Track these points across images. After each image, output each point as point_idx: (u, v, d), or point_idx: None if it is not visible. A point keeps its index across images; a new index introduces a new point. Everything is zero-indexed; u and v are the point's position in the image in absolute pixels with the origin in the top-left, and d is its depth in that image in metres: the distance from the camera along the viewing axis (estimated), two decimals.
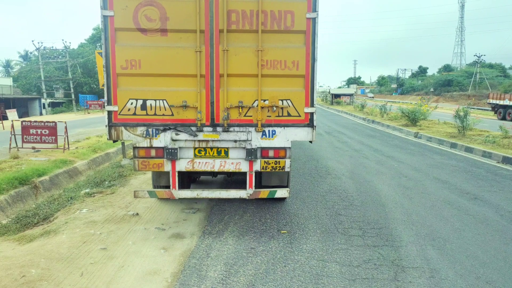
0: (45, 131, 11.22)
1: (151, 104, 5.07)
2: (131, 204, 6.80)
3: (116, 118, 5.09)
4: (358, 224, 5.88)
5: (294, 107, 5.17)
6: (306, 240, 5.28)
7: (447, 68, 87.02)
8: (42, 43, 43.53)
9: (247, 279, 4.20)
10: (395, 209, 6.63)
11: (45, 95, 44.45)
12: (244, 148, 5.26)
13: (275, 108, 5.15)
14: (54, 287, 3.98)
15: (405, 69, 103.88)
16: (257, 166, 5.32)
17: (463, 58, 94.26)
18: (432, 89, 71.49)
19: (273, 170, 5.39)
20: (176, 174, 5.31)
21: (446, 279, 4.27)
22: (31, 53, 58.91)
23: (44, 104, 45.03)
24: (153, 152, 5.22)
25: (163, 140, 5.16)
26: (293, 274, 4.34)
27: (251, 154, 5.23)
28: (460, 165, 10.68)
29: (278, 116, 5.18)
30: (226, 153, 5.32)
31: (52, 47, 46.16)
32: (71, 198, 7.42)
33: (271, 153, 5.29)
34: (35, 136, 11.19)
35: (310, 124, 5.24)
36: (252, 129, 5.17)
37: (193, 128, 5.13)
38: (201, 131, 5.14)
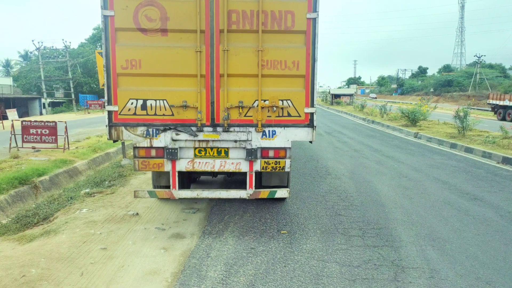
0: (45, 131, 11.22)
1: (151, 104, 5.07)
2: (131, 204, 6.80)
3: (116, 118, 5.09)
4: (358, 224, 5.89)
5: (294, 107, 5.17)
6: (306, 240, 5.28)
7: (447, 68, 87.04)
8: (42, 42, 43.60)
9: (247, 279, 4.21)
10: (395, 210, 6.63)
11: (45, 95, 44.44)
12: (244, 148, 5.26)
13: (275, 108, 5.15)
14: (54, 287, 3.98)
15: (405, 69, 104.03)
16: (257, 166, 5.32)
17: (463, 58, 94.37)
18: (432, 90, 71.50)
19: (273, 170, 5.39)
20: (176, 174, 5.31)
21: (446, 280, 4.27)
22: (31, 52, 58.93)
23: (44, 104, 45.02)
24: (153, 152, 5.22)
25: (163, 140, 5.16)
26: (293, 274, 4.34)
27: (251, 154, 5.23)
28: (460, 166, 10.68)
29: (278, 116, 5.18)
30: (226, 153, 5.32)
31: (52, 46, 46.21)
32: (71, 198, 7.42)
33: (271, 153, 5.29)
34: (35, 136, 11.19)
35: (310, 124, 5.24)
36: (252, 129, 5.18)
37: (193, 128, 5.13)
38: (201, 131, 5.14)
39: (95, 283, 4.08)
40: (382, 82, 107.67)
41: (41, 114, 42.74)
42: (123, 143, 11.17)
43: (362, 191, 7.78)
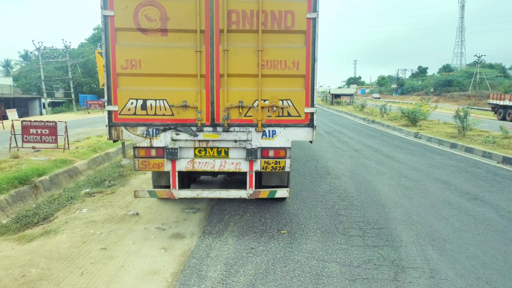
0: (45, 131, 11.22)
1: (151, 104, 5.07)
2: (131, 204, 6.80)
3: (116, 118, 5.09)
4: (358, 224, 5.89)
5: (294, 107, 5.17)
6: (306, 240, 5.28)
7: (447, 68, 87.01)
8: (42, 42, 43.57)
9: (247, 279, 4.20)
10: (395, 209, 6.63)
11: (45, 94, 44.44)
12: (244, 148, 5.26)
13: (275, 108, 5.14)
14: (54, 287, 3.98)
15: (405, 69, 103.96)
16: (257, 166, 5.32)
17: (463, 58, 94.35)
18: (432, 89, 71.51)
19: (273, 170, 5.39)
20: (176, 174, 5.31)
21: (446, 279, 4.27)
22: (31, 52, 58.94)
23: (44, 103, 45.02)
24: (153, 152, 5.22)
25: (163, 140, 5.16)
26: (293, 274, 4.34)
27: (251, 154, 5.23)
28: (460, 165, 10.68)
29: (278, 116, 5.18)
30: (226, 153, 5.32)
31: (52, 46, 46.17)
32: (71, 197, 7.42)
33: (271, 153, 5.29)
34: (35, 136, 11.19)
35: (310, 124, 5.24)
36: (252, 129, 5.17)
37: (193, 128, 5.13)
38: (201, 131, 5.14)
39: (95, 283, 4.08)
40: (382, 82, 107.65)
41: (41, 114, 42.73)
42: (123, 143, 11.17)
43: (362, 191, 7.77)
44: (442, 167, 10.34)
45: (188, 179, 6.76)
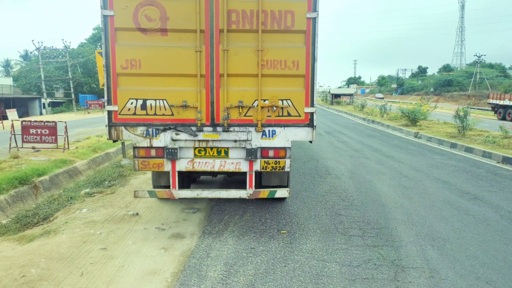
0: (45, 131, 11.21)
1: (151, 104, 5.07)
2: (131, 204, 6.80)
3: (116, 118, 5.09)
4: (358, 224, 5.88)
5: (294, 107, 5.17)
6: (306, 240, 5.28)
7: (447, 68, 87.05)
8: (42, 42, 43.51)
9: (247, 279, 4.20)
10: (395, 209, 6.63)
11: (45, 94, 44.43)
12: (244, 148, 5.26)
13: (275, 108, 5.14)
14: (54, 287, 3.98)
15: (405, 69, 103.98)
16: (257, 166, 5.32)
17: (463, 58, 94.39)
18: (432, 89, 71.53)
19: (273, 170, 5.38)
20: (176, 174, 5.31)
21: (446, 279, 4.27)
22: (31, 52, 58.96)
23: (44, 104, 45.01)
24: (153, 152, 5.22)
25: (163, 140, 5.16)
26: (293, 274, 4.34)
27: (251, 154, 5.23)
28: (460, 165, 10.68)
29: (278, 116, 5.18)
30: (226, 153, 5.31)
31: (52, 46, 46.13)
32: (71, 198, 7.41)
33: (271, 153, 5.29)
34: (35, 136, 11.18)
35: (310, 124, 5.24)
36: (252, 129, 5.17)
37: (193, 128, 5.13)
38: (201, 131, 5.14)
39: (95, 283, 4.08)
40: (382, 82, 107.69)
41: (41, 114, 42.73)
42: (123, 143, 11.17)
43: (362, 191, 7.77)
44: (442, 167, 10.34)
45: (188, 179, 6.76)
